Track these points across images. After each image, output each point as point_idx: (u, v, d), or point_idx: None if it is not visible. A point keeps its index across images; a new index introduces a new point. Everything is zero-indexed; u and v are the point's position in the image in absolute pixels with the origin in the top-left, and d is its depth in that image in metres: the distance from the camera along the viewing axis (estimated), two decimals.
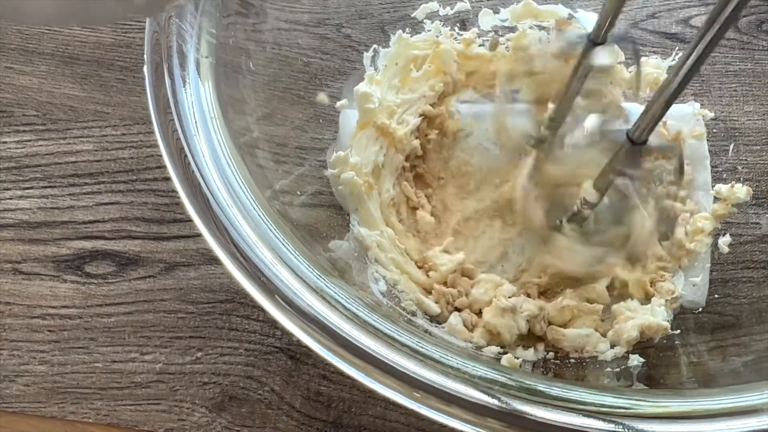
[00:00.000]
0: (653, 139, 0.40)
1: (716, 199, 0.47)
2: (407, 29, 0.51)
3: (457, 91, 0.51)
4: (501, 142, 0.49)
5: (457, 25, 0.52)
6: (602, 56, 0.43)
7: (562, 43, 0.45)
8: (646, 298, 0.45)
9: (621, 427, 0.28)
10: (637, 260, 0.45)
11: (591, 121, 0.43)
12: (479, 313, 0.44)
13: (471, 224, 0.48)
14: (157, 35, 0.35)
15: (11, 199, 0.50)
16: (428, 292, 0.45)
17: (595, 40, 0.42)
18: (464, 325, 0.43)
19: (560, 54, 0.44)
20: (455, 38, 0.51)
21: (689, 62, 0.32)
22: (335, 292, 0.32)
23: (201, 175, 0.33)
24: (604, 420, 0.28)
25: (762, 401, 0.29)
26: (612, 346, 0.42)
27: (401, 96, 0.49)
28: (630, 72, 0.50)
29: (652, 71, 0.50)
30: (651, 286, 0.45)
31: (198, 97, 0.35)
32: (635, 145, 0.40)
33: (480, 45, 0.51)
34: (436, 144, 0.50)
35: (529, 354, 0.42)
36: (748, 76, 0.51)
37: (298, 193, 0.44)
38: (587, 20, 0.44)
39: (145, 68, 0.35)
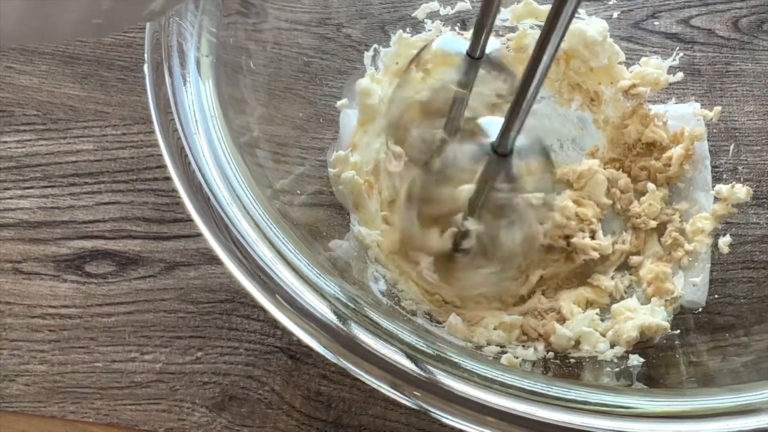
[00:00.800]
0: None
1: (716, 199, 0.47)
2: (408, 29, 0.51)
3: None
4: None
5: (458, 24, 0.52)
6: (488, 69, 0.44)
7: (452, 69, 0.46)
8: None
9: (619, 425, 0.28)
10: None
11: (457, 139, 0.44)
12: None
13: None
14: (158, 34, 0.35)
15: (11, 198, 0.50)
16: (430, 293, 0.45)
17: (473, 55, 0.43)
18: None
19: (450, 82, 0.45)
20: None
21: (541, 68, 0.33)
22: (335, 291, 0.32)
23: (201, 174, 0.33)
24: (603, 419, 0.29)
25: (761, 400, 0.29)
26: (612, 346, 0.42)
27: None
28: (631, 72, 0.50)
29: (653, 71, 0.50)
30: (651, 287, 0.45)
31: (198, 96, 0.35)
32: (501, 156, 0.40)
33: None
34: None
35: (529, 353, 0.42)
36: (748, 76, 0.51)
37: (299, 192, 0.44)
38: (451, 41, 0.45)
39: (145, 67, 0.35)
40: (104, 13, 0.23)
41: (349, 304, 0.32)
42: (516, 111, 0.36)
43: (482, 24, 0.41)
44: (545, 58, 0.33)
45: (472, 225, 0.42)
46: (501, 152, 0.40)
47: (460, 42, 0.45)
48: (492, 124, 0.42)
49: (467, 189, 0.42)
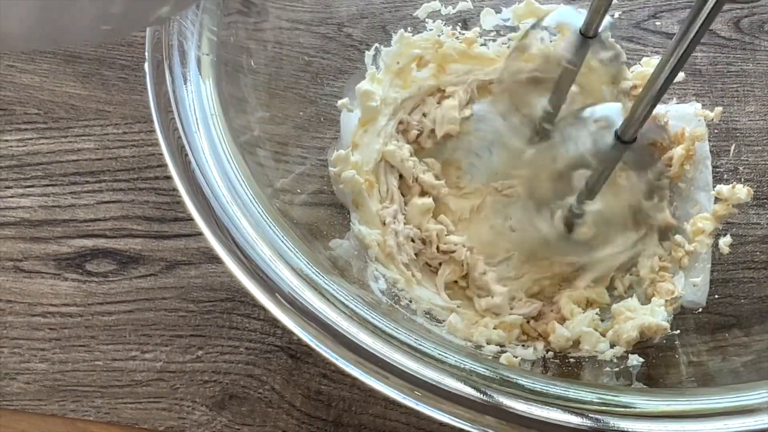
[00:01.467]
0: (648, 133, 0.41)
1: (717, 199, 0.47)
2: (409, 28, 0.51)
3: None
4: (512, 125, 0.49)
5: (459, 24, 0.52)
6: (596, 50, 0.44)
7: (564, 45, 0.45)
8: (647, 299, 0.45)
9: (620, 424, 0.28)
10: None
11: (584, 115, 0.43)
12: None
13: (470, 224, 0.48)
14: (159, 33, 0.35)
15: (12, 197, 0.50)
16: None
17: (586, 34, 0.43)
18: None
19: (562, 57, 0.45)
20: (457, 37, 0.51)
21: (673, 59, 0.33)
22: (335, 290, 0.32)
23: (202, 173, 0.33)
24: (602, 418, 0.29)
25: (760, 401, 0.29)
26: (612, 346, 0.42)
27: (404, 93, 0.49)
28: (632, 72, 0.50)
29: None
30: (651, 287, 0.45)
31: (199, 94, 0.35)
32: (624, 143, 0.40)
33: (482, 45, 0.51)
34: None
35: (528, 353, 0.42)
36: (749, 76, 0.51)
37: (299, 191, 0.44)
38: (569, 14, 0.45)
39: (146, 65, 0.35)
40: (114, 18, 0.23)
41: (349, 304, 0.32)
42: (647, 98, 0.36)
43: (600, 2, 0.41)
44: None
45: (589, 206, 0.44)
46: (625, 140, 0.40)
47: (577, 17, 0.45)
48: (611, 110, 0.43)
49: (583, 173, 0.43)
